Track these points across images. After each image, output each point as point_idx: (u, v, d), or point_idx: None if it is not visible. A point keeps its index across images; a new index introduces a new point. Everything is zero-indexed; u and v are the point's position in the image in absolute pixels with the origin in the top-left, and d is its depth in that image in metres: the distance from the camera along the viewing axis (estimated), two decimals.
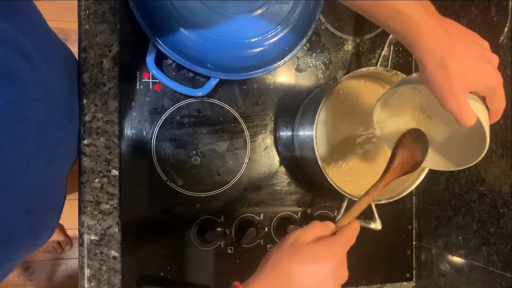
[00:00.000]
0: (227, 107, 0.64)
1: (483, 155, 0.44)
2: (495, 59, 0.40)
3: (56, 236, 1.30)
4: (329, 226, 0.44)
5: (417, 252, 0.72)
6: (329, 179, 0.55)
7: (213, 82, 0.58)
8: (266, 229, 0.65)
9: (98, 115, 0.60)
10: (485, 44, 0.41)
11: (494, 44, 0.56)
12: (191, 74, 0.62)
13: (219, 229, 0.62)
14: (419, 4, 0.38)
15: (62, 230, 1.32)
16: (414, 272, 0.72)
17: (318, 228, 0.43)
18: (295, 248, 0.41)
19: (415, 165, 0.51)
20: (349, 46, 0.69)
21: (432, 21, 0.38)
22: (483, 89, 0.40)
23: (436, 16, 0.39)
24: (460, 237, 0.63)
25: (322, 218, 0.67)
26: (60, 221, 1.32)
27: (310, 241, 0.41)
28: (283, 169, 0.67)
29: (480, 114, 0.41)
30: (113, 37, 0.60)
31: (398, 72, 0.58)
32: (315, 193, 0.68)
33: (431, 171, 0.57)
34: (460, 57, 0.38)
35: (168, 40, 0.54)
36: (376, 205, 0.71)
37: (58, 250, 1.32)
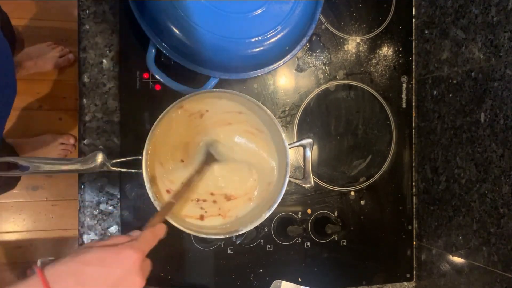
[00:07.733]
0: None
1: None
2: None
3: (56, 141, 1.28)
4: (129, 236, 0.45)
5: (417, 252, 0.72)
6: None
7: (213, 82, 0.58)
8: (266, 229, 0.65)
9: (98, 115, 0.60)
10: None
11: (494, 44, 0.56)
12: (191, 74, 0.61)
13: None
14: None
15: (55, 135, 1.31)
16: (414, 272, 0.72)
17: (115, 238, 0.44)
18: (86, 249, 0.41)
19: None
20: (349, 46, 0.69)
21: None
22: None
23: None
24: (460, 237, 0.63)
25: (322, 218, 0.67)
26: (60, 221, 1.33)
27: (102, 245, 0.42)
28: None
29: None
30: (113, 37, 0.60)
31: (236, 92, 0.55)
32: (315, 193, 0.68)
33: (430, 171, 0.57)
34: None
35: (168, 40, 0.54)
36: (376, 203, 0.71)
37: (67, 148, 1.30)
